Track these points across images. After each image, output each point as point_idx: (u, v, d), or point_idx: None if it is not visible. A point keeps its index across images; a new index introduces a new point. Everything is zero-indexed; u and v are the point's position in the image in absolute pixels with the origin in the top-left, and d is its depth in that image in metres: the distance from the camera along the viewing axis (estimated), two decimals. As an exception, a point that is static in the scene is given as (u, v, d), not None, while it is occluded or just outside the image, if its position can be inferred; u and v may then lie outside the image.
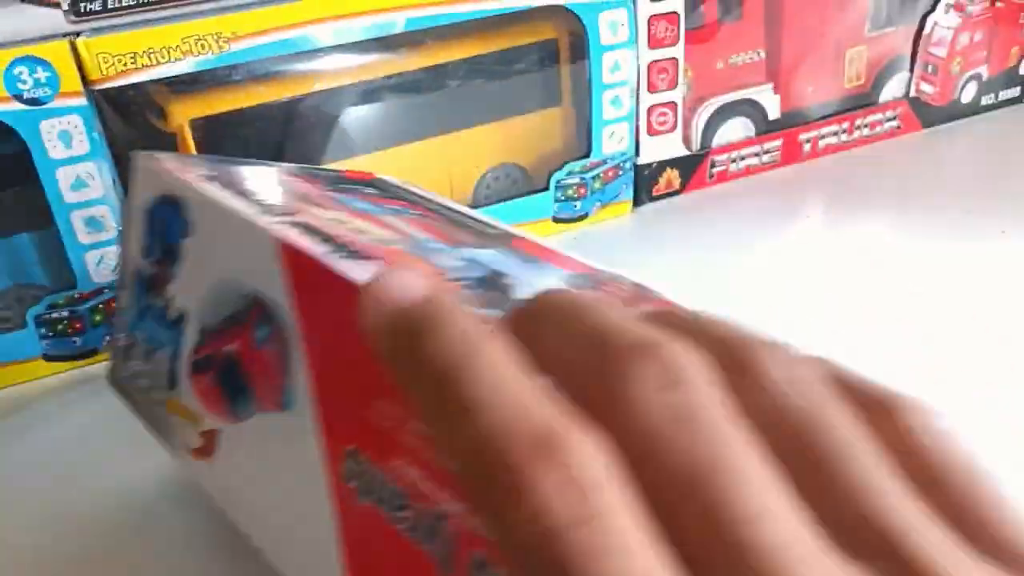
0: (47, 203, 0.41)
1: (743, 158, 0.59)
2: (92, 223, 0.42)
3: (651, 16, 0.52)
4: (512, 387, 0.14)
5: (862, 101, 0.62)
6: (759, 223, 0.54)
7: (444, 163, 0.52)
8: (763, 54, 0.58)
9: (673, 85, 0.54)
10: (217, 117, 0.44)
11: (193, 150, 0.44)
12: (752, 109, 0.59)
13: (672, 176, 0.58)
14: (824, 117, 0.61)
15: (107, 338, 0.45)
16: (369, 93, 0.48)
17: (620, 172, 0.55)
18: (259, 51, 0.43)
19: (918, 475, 0.14)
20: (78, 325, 0.44)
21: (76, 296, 0.44)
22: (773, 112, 0.59)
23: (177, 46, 0.41)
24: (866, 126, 0.63)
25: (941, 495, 0.14)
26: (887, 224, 0.53)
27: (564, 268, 0.28)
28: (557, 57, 0.52)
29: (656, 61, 0.53)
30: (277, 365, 0.24)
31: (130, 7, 0.40)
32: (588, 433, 0.13)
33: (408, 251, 0.26)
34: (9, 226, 0.44)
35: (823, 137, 0.61)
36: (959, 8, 0.62)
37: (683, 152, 0.57)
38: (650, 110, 0.55)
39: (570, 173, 0.54)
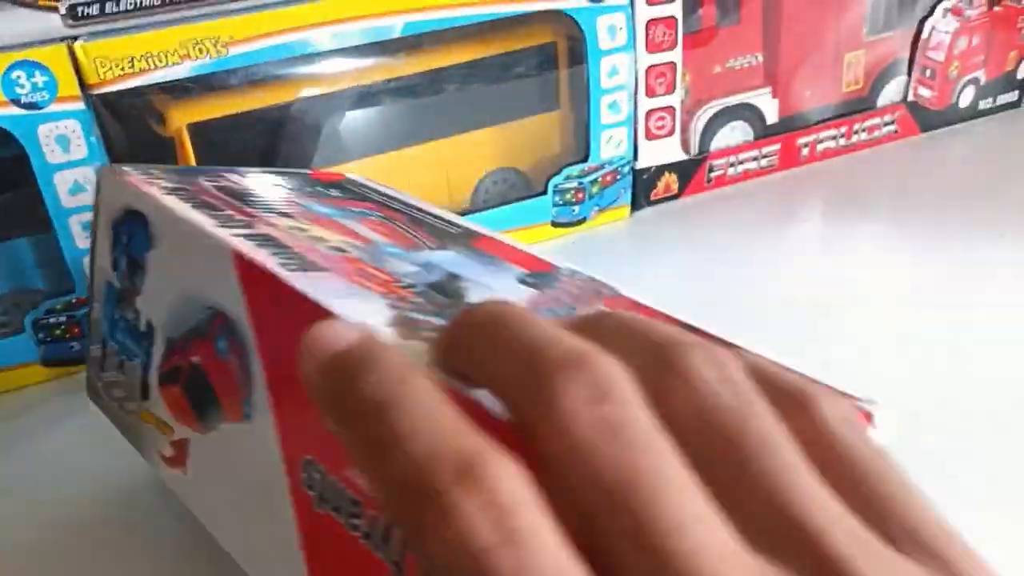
0: (45, 208, 0.41)
1: (741, 162, 0.59)
2: (90, 228, 0.42)
3: (649, 20, 0.52)
4: (437, 418, 0.14)
5: (860, 105, 0.62)
6: (757, 227, 0.54)
7: (442, 167, 0.52)
8: (761, 58, 0.58)
9: (671, 89, 0.55)
10: (215, 121, 0.44)
11: (191, 154, 0.44)
12: (750, 113, 0.59)
13: (670, 180, 0.58)
14: (822, 121, 0.61)
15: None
16: (367, 97, 0.48)
17: (618, 176, 0.55)
18: (257, 55, 0.43)
19: (834, 467, 0.15)
20: (76, 330, 0.44)
21: (74, 301, 0.44)
22: (771, 116, 0.60)
23: (175, 50, 0.41)
24: (864, 130, 0.63)
25: (854, 487, 0.15)
26: (885, 228, 0.53)
27: (522, 267, 0.29)
28: (555, 61, 0.52)
29: (654, 65, 0.53)
30: (238, 376, 0.24)
31: (128, 11, 0.40)
32: (509, 457, 0.14)
33: (365, 259, 0.26)
34: (7, 231, 0.44)
35: (821, 141, 0.61)
36: (957, 12, 0.62)
37: (681, 156, 0.57)
38: (648, 114, 0.55)
39: (568, 177, 0.54)
